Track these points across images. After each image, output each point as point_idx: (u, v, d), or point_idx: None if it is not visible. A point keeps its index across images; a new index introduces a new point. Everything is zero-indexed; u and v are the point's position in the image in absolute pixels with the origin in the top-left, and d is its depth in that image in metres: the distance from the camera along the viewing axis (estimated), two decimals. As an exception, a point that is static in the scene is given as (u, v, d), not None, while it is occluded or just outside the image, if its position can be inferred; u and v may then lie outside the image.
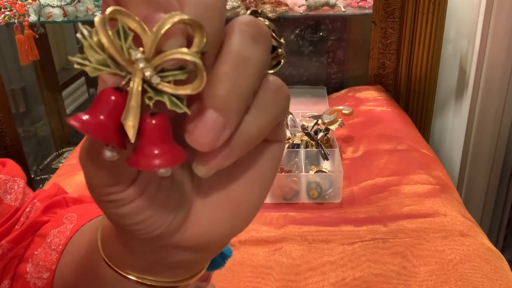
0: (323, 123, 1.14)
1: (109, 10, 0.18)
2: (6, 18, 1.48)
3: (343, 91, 1.54)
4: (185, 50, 0.19)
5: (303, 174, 0.97)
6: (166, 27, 0.18)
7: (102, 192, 0.22)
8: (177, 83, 0.19)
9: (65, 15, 1.51)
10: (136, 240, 0.24)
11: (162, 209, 0.23)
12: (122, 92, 0.19)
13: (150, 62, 0.19)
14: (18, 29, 1.47)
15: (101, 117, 0.19)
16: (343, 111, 1.17)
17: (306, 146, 1.08)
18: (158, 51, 0.19)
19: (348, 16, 1.65)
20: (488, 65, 1.33)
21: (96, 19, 0.18)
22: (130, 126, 0.19)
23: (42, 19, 1.50)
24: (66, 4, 1.51)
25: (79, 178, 1.06)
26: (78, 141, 1.32)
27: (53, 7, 1.50)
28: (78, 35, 0.19)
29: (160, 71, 0.19)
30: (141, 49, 0.19)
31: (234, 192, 0.23)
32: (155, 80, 0.19)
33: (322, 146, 1.05)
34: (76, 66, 0.18)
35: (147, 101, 0.19)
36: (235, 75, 0.20)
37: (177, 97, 0.19)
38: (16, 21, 1.48)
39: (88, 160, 0.22)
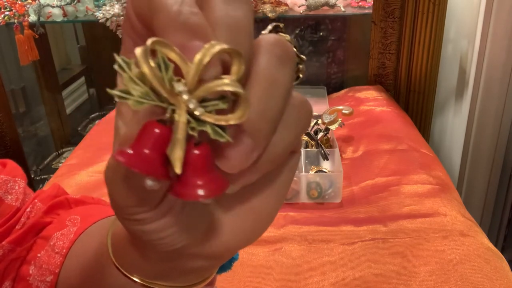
0: (323, 123, 1.14)
1: (149, 41, 0.18)
2: (6, 18, 1.48)
3: (343, 91, 1.54)
4: (227, 81, 0.19)
5: (303, 174, 0.97)
6: (208, 58, 0.18)
7: (127, 211, 0.22)
8: (218, 112, 0.19)
9: (65, 15, 1.51)
10: (156, 251, 0.24)
11: (186, 225, 0.23)
12: (166, 124, 0.19)
13: (193, 93, 0.19)
14: (18, 29, 1.47)
15: (146, 151, 0.19)
16: (343, 111, 1.17)
17: (306, 146, 1.09)
18: (198, 81, 0.19)
19: (348, 16, 1.65)
20: (488, 65, 1.33)
21: (138, 51, 0.18)
22: (177, 158, 0.18)
23: (42, 19, 1.50)
24: (66, 4, 1.51)
25: (79, 178, 1.06)
26: (78, 141, 1.32)
27: (53, 7, 1.50)
28: (116, 67, 0.18)
29: (201, 100, 0.19)
30: (183, 80, 0.19)
31: (254, 203, 0.23)
32: (199, 111, 0.19)
33: (322, 146, 1.06)
34: (117, 99, 0.18)
35: (190, 132, 0.19)
36: (265, 98, 0.20)
37: (220, 126, 0.19)
38: (16, 21, 1.48)
39: (115, 180, 0.22)
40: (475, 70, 1.36)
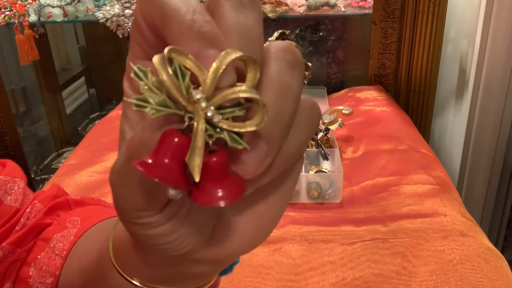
0: (323, 123, 1.14)
1: (166, 49, 0.18)
2: (6, 18, 1.48)
3: (343, 91, 1.54)
4: (244, 87, 0.19)
5: (303, 174, 0.97)
6: (224, 66, 0.18)
7: (133, 215, 0.22)
8: (234, 119, 0.19)
9: (65, 15, 1.51)
10: (160, 256, 0.24)
11: (192, 230, 0.23)
12: (184, 132, 0.19)
13: (210, 101, 0.19)
14: (18, 29, 1.47)
15: (166, 160, 0.19)
16: (343, 111, 1.17)
17: (306, 146, 1.08)
18: (215, 89, 0.19)
19: (348, 16, 1.65)
20: (488, 65, 1.33)
21: (156, 59, 0.18)
22: (196, 166, 0.18)
23: (42, 19, 1.50)
24: (66, 4, 1.51)
25: (79, 178, 1.06)
26: (78, 141, 1.32)
27: (53, 7, 1.50)
28: (133, 75, 0.19)
29: (218, 108, 0.19)
30: (200, 88, 0.19)
31: (259, 207, 0.23)
32: (217, 118, 0.19)
33: (322, 146, 1.06)
34: (134, 108, 0.18)
35: (207, 139, 0.19)
36: (279, 103, 0.20)
37: (237, 133, 0.19)
38: (16, 21, 1.48)
39: (121, 184, 0.21)
40: (475, 70, 1.36)
